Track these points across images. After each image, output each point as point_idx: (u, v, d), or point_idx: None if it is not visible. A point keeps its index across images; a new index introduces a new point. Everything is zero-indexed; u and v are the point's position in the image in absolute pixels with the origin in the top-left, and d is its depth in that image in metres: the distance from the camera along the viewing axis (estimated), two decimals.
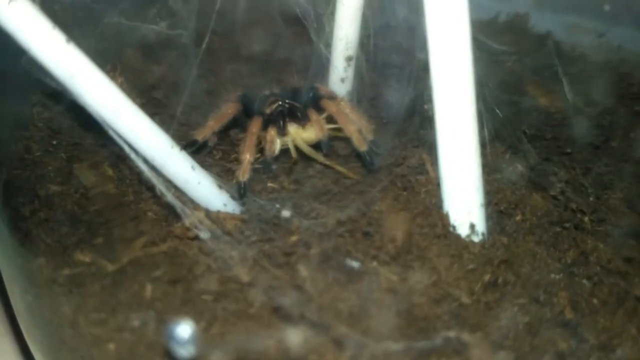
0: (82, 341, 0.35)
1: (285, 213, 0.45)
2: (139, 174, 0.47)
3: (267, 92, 0.52)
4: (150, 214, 0.44)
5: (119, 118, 0.38)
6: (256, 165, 0.47)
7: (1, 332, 0.56)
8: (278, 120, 0.47)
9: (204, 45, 0.47)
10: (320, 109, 0.48)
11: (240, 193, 0.45)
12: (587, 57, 0.62)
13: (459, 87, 0.40)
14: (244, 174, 0.45)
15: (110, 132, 0.38)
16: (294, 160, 0.48)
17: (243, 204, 0.45)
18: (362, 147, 0.46)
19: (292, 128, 0.47)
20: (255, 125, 0.46)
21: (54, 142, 0.49)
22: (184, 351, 0.28)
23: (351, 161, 0.50)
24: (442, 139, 0.41)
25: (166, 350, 0.33)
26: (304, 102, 0.50)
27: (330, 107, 0.47)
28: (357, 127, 0.47)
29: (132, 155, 0.39)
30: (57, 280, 0.38)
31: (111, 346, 0.34)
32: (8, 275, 0.43)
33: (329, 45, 0.54)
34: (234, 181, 0.46)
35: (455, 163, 0.41)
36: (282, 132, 0.47)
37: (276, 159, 0.48)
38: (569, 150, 0.52)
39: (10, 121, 0.47)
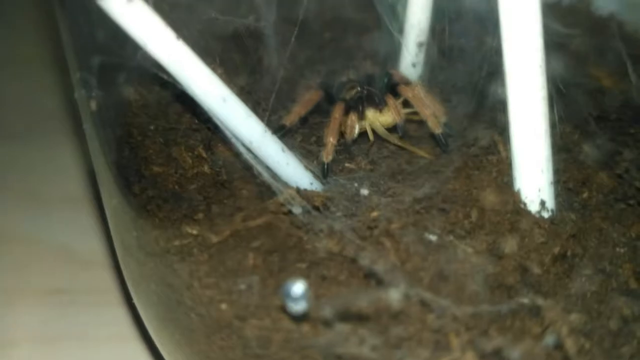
0: (198, 301, 0.41)
1: (364, 191, 0.49)
2: (230, 156, 0.52)
3: (344, 79, 0.56)
4: (244, 192, 0.48)
5: (223, 106, 0.42)
6: (337, 148, 0.51)
7: (114, 303, 0.63)
8: (357, 105, 0.51)
9: (293, 38, 0.51)
10: (396, 94, 0.52)
11: (324, 173, 0.49)
12: None
13: (531, 73, 0.43)
14: (327, 156, 0.49)
15: (214, 118, 0.43)
16: (371, 143, 0.52)
17: (326, 183, 0.49)
18: (437, 130, 0.50)
19: (370, 113, 0.51)
20: (338, 111, 0.50)
21: (151, 127, 0.54)
22: (299, 307, 0.33)
23: (423, 142, 0.54)
24: (515, 121, 0.44)
25: (272, 308, 0.38)
26: (380, 88, 0.53)
27: (406, 92, 0.51)
28: (431, 111, 0.50)
29: (233, 140, 0.43)
30: (170, 250, 0.43)
31: (224, 305, 0.39)
32: (125, 247, 0.48)
33: (401, 31, 0.57)
34: (316, 162, 0.50)
35: (527, 144, 0.44)
36: (361, 117, 0.51)
37: (354, 141, 0.52)
38: (632, 131, 0.54)
39: (114, 109, 0.52)
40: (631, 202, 0.48)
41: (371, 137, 0.52)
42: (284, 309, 0.36)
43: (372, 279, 0.39)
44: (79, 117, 0.52)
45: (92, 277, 0.69)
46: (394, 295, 0.35)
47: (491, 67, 0.56)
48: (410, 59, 0.58)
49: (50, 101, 0.94)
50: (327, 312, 0.35)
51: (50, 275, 0.70)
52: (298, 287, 0.32)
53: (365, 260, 0.40)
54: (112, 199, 0.49)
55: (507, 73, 0.43)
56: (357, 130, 0.51)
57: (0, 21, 1.12)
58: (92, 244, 0.72)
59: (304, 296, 0.33)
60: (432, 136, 0.51)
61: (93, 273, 0.69)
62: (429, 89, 0.52)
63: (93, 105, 0.44)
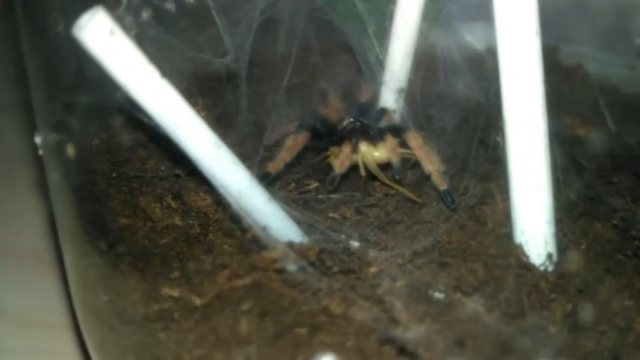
0: None
1: (354, 243, 0.46)
2: (202, 206, 0.48)
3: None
4: (225, 246, 0.44)
5: (207, 153, 0.38)
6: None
7: None
8: (350, 137, 0.48)
9: (285, 82, 0.47)
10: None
11: (333, 184, 0.46)
12: (619, 89, 0.64)
13: (533, 122, 0.41)
14: (341, 166, 0.46)
15: (197, 166, 0.39)
16: (363, 179, 0.49)
17: (315, 233, 0.45)
18: (442, 186, 0.46)
19: (364, 146, 0.48)
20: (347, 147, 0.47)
21: (114, 175, 0.49)
22: None
23: (412, 185, 0.51)
24: (516, 171, 0.42)
25: None
26: (375, 121, 0.51)
27: (411, 140, 0.48)
28: (436, 166, 0.47)
29: (220, 190, 0.39)
30: (150, 317, 0.37)
31: None
32: (91, 313, 0.42)
33: (379, 76, 0.55)
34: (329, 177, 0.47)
35: (531, 194, 0.42)
36: (354, 150, 0.48)
37: (343, 176, 0.48)
38: (615, 180, 0.53)
39: (77, 154, 0.47)
40: (628, 252, 0.46)
41: (362, 172, 0.48)
42: None
43: (383, 344, 0.35)
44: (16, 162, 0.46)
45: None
46: None
47: (478, 114, 0.54)
48: (390, 106, 0.55)
49: None
50: None
51: None
52: None
53: (372, 325, 0.36)
54: (75, 257, 0.43)
55: (507, 122, 0.42)
56: (348, 164, 0.47)
57: None
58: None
59: None
60: (437, 192, 0.48)
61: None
62: (425, 138, 0.49)
63: (70, 150, 0.39)
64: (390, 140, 0.47)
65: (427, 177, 0.48)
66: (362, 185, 0.49)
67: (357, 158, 0.48)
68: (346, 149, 0.47)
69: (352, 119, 0.50)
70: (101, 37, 0.34)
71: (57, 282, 0.65)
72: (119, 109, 0.47)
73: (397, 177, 0.48)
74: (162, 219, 0.46)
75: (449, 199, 0.46)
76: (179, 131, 0.37)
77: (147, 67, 0.36)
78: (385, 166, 0.49)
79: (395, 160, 0.47)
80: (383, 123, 0.52)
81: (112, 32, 0.34)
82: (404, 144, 0.49)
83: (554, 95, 0.64)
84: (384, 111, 0.53)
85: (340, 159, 0.46)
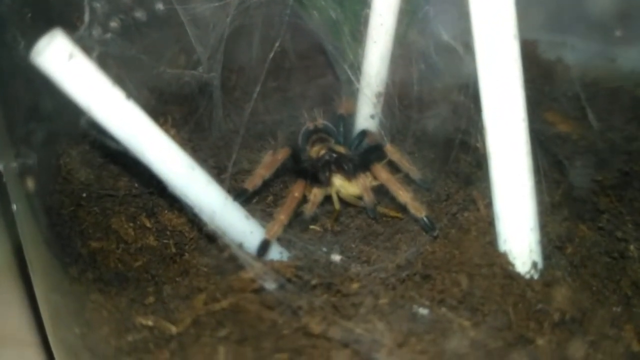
0: None
1: (335, 257, 0.45)
2: (178, 224, 0.46)
3: (310, 127, 0.51)
4: (201, 267, 0.42)
5: (178, 175, 0.37)
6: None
7: None
8: (324, 171, 0.46)
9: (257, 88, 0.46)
10: (364, 160, 0.47)
11: (260, 250, 0.42)
12: (600, 82, 0.63)
13: (514, 128, 0.40)
14: (272, 233, 0.42)
15: (169, 188, 0.37)
16: (337, 212, 0.47)
17: (295, 247, 0.44)
18: (420, 213, 0.45)
19: (338, 180, 0.46)
20: (297, 190, 0.44)
21: (84, 195, 0.47)
22: None
23: (389, 201, 0.50)
24: (498, 178, 0.41)
25: None
26: (352, 146, 0.49)
27: (380, 174, 0.46)
28: (410, 195, 0.45)
29: (196, 210, 0.38)
30: (123, 349, 0.36)
31: None
32: (66, 347, 0.40)
33: (356, 81, 0.53)
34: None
35: (514, 202, 0.41)
36: (327, 183, 0.46)
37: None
38: (599, 178, 0.53)
39: (43, 174, 0.45)
40: (615, 255, 0.45)
41: (337, 205, 0.47)
42: None
43: None
44: None
45: None
46: None
47: (454, 118, 0.53)
48: (368, 111, 0.54)
49: None
50: None
51: None
52: None
53: (356, 347, 0.35)
54: (46, 287, 0.41)
55: (487, 129, 0.40)
56: (319, 201, 0.46)
57: None
58: None
59: None
60: (416, 220, 0.46)
61: None
62: (401, 148, 0.48)
63: (30, 184, 0.37)
64: (363, 180, 0.45)
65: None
66: (335, 216, 0.47)
67: (331, 190, 0.47)
68: (315, 191, 0.45)
69: (328, 149, 0.48)
70: (60, 61, 0.32)
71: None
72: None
73: (371, 216, 0.46)
74: (135, 240, 0.45)
75: (429, 226, 0.44)
76: (148, 154, 0.35)
77: (111, 90, 0.34)
78: None
79: (368, 200, 0.45)
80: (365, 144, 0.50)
81: (71, 56, 0.32)
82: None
83: (534, 91, 0.63)
84: (364, 134, 0.51)
85: (310, 203, 0.45)
